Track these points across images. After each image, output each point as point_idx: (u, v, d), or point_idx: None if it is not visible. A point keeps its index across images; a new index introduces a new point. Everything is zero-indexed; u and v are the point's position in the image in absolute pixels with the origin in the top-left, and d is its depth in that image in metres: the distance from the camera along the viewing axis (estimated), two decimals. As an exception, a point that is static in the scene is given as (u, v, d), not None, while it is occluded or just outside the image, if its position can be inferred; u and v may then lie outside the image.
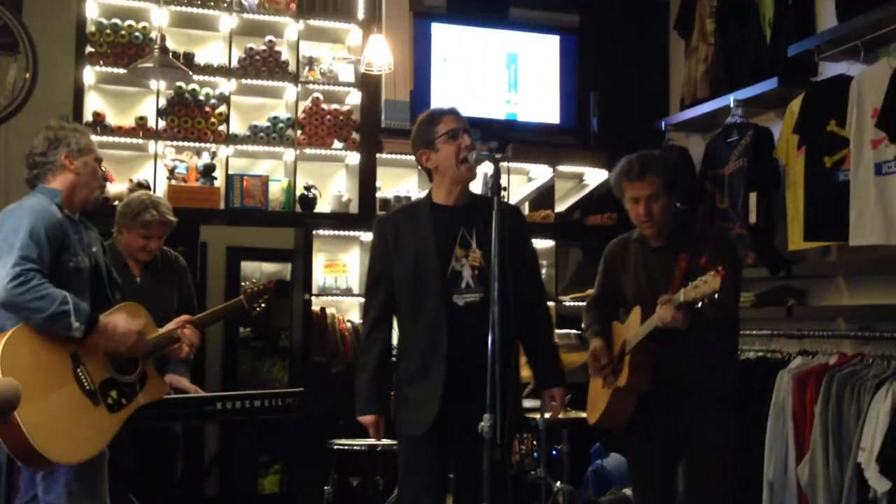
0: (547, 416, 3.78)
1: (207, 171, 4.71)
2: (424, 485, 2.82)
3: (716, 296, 2.57)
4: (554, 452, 4.02)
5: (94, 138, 4.51)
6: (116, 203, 4.34)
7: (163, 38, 4.37)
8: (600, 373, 3.13)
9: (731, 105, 4.40)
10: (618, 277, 3.19)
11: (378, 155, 4.97)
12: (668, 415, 2.99)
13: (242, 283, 3.51)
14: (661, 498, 3.09)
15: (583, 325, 3.32)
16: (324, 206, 4.95)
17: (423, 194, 3.09)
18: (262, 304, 3.43)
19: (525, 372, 3.83)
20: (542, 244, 5.34)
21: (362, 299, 4.73)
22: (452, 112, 2.90)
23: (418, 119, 2.96)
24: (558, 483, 3.91)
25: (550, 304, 5.17)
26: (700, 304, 2.64)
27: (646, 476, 3.12)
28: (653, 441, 3.04)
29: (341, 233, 4.92)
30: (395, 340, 2.96)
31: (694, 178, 4.62)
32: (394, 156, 4.99)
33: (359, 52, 4.92)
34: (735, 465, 3.07)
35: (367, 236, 4.72)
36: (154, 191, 4.52)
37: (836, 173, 3.76)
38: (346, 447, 3.85)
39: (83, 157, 2.88)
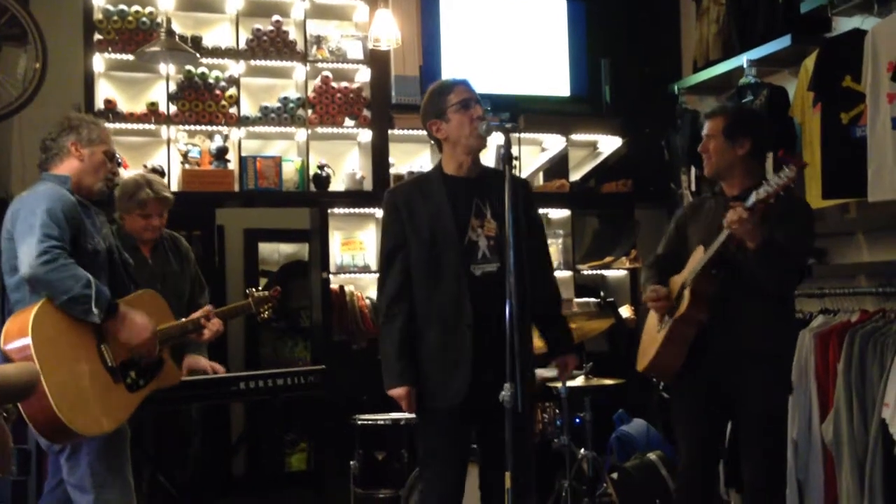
0: (559, 383, 3.81)
1: (220, 154, 4.72)
2: (452, 458, 2.83)
3: (792, 185, 2.64)
4: (577, 420, 4.02)
5: (107, 125, 4.57)
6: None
7: (169, 21, 4.37)
8: (659, 306, 3.10)
9: (745, 65, 4.34)
10: (686, 233, 3.20)
11: (390, 131, 4.96)
12: (719, 365, 2.98)
13: (247, 289, 3.56)
14: (704, 449, 3.09)
15: (641, 281, 3.34)
16: (338, 185, 4.95)
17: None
18: (269, 311, 3.49)
19: (537, 342, 3.86)
20: (557, 214, 5.33)
21: (380, 275, 4.76)
22: (463, 83, 2.89)
23: (429, 89, 2.96)
24: (582, 450, 3.92)
25: (568, 273, 5.19)
26: (773, 200, 2.68)
27: (691, 425, 3.10)
28: (702, 392, 3.03)
29: (356, 210, 4.93)
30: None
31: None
32: (406, 131, 4.98)
33: (366, 29, 4.90)
34: (785, 424, 3.11)
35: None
36: (168, 175, 4.54)
37: (853, 129, 3.71)
38: (370, 422, 3.88)
39: (91, 147, 2.91)
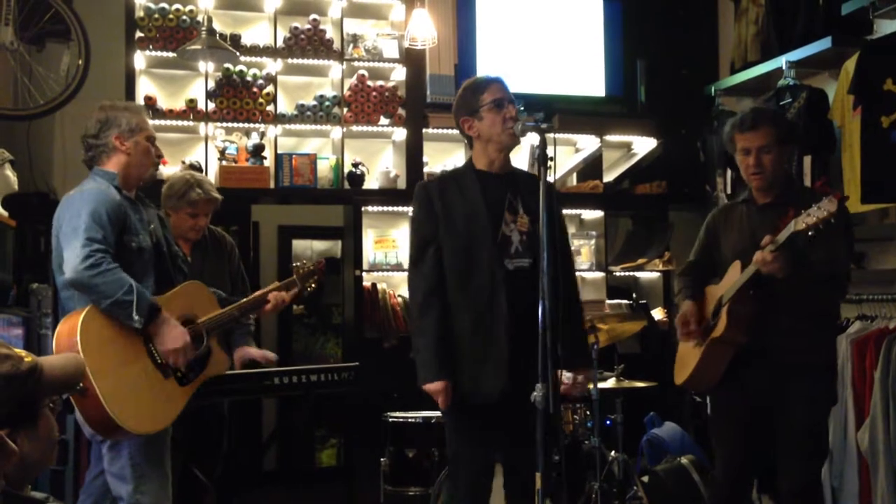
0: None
1: (257, 151, 4.77)
2: (479, 456, 2.83)
3: (832, 220, 2.55)
4: (608, 422, 4.01)
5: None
6: (168, 185, 4.43)
7: (209, 19, 4.42)
8: (688, 338, 3.06)
9: (784, 67, 4.30)
10: (719, 241, 3.14)
11: (424, 130, 4.97)
12: (761, 378, 2.94)
13: (293, 264, 3.56)
14: (744, 461, 3.06)
15: (675, 290, 3.30)
16: (372, 183, 4.98)
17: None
18: (313, 284, 3.49)
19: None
20: (590, 215, 5.31)
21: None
22: (497, 81, 2.90)
23: (463, 85, 2.96)
24: (613, 452, 3.91)
25: (600, 274, 5.17)
26: (811, 233, 2.61)
27: (733, 437, 3.05)
28: (744, 404, 2.99)
29: (390, 208, 4.95)
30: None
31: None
32: (440, 130, 4.99)
33: (402, 28, 4.92)
34: (826, 436, 3.05)
35: (416, 211, 4.74)
36: (206, 172, 4.60)
37: (894, 133, 3.67)
38: (400, 420, 3.89)
39: (134, 136, 2.91)
